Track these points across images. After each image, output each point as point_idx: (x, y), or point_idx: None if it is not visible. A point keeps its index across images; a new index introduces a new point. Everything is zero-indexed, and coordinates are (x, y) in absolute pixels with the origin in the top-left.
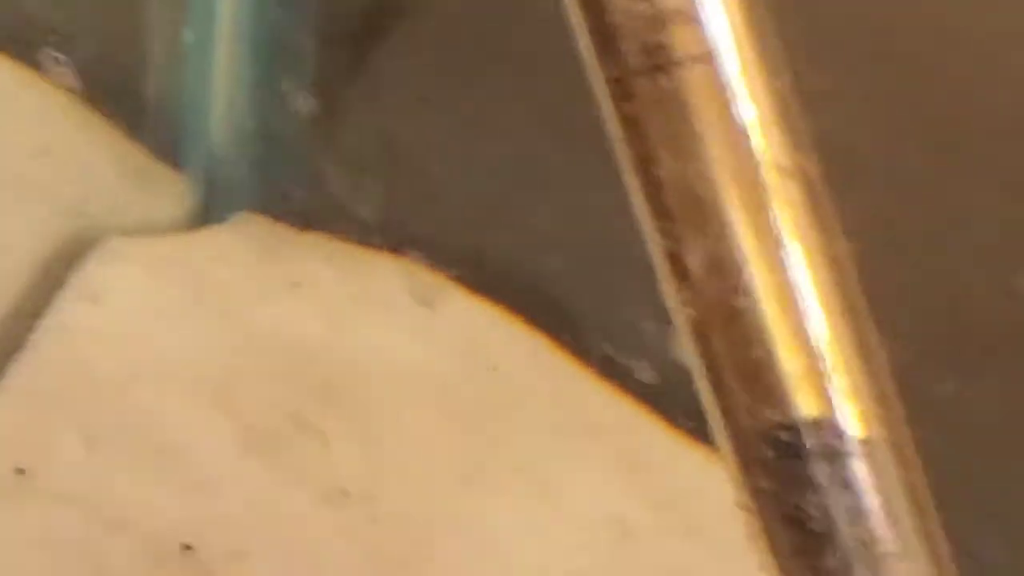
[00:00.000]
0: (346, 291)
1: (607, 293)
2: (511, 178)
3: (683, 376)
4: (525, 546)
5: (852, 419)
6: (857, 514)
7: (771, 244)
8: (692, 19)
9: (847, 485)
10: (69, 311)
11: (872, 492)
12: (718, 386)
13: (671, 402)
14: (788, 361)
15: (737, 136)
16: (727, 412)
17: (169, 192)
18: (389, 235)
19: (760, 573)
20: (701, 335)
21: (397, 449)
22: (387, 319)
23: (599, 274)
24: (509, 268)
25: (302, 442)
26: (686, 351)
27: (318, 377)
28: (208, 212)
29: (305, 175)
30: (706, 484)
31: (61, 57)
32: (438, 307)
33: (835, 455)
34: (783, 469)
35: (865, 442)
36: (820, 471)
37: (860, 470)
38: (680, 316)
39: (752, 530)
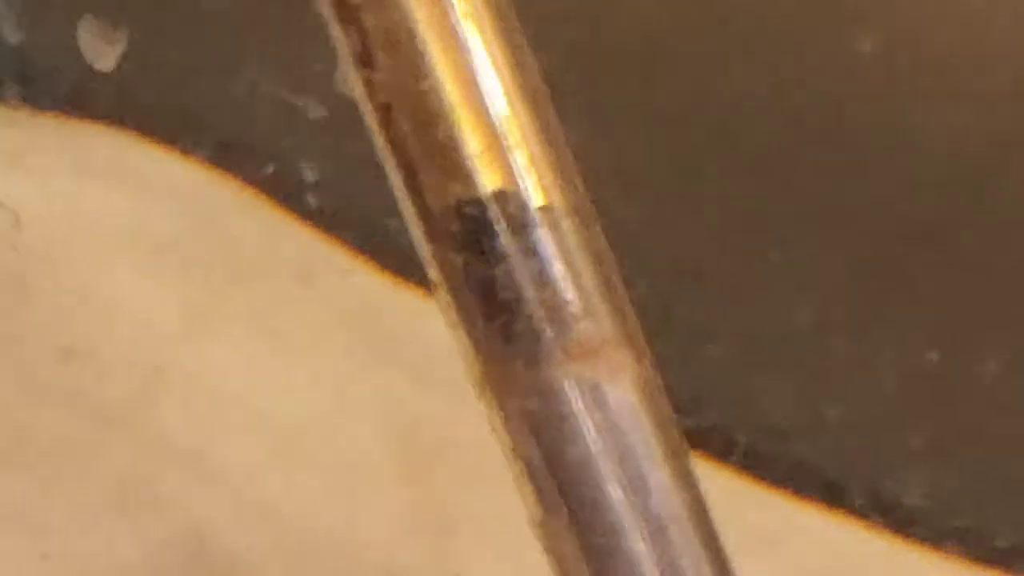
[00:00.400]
0: (64, 160)
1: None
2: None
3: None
4: (250, 392)
5: (534, 190)
6: (543, 280)
7: (450, 27)
8: None
9: (532, 253)
10: None
11: (556, 258)
12: (407, 169)
13: (386, 253)
14: (471, 139)
15: None
16: (415, 193)
17: None
18: (110, 109)
19: (485, 416)
20: (386, 120)
21: (119, 305)
22: (105, 184)
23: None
24: (217, 127)
25: (24, 308)
26: (375, 142)
27: (37, 242)
28: None
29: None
30: (426, 326)
31: None
32: (154, 174)
33: (519, 225)
34: (471, 242)
35: (547, 210)
36: (506, 241)
37: (543, 238)
38: (366, 105)
39: (444, 304)
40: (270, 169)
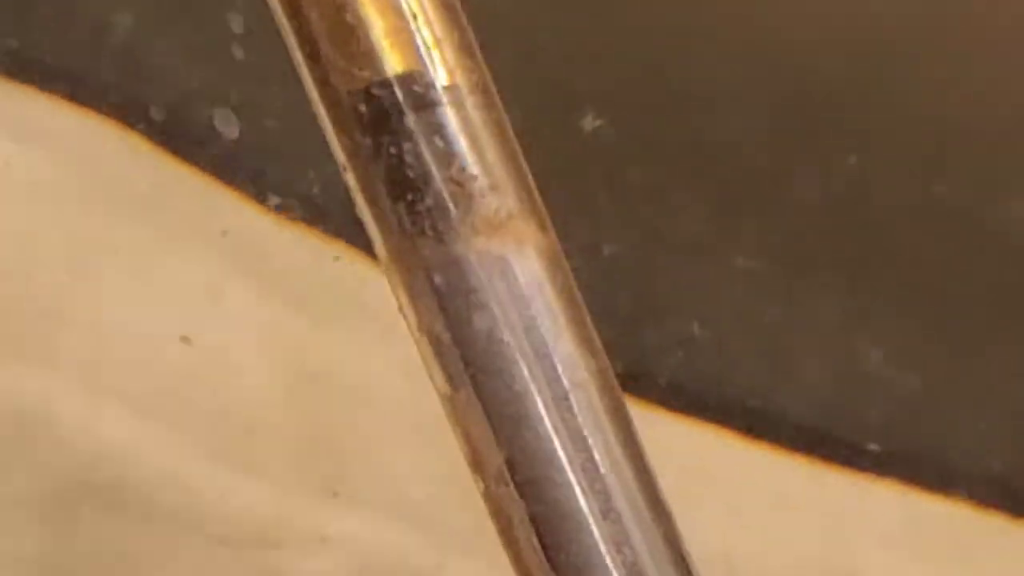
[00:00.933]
0: None
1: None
2: None
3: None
4: (139, 327)
5: (439, 70)
6: (448, 157)
7: None
8: None
9: (437, 131)
10: None
11: (460, 135)
12: (314, 55)
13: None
14: (378, 22)
15: None
16: (323, 78)
17: None
18: None
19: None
20: (294, 7)
21: (6, 245)
22: None
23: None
24: (98, 76)
25: None
26: (282, 31)
27: None
28: None
29: None
30: (310, 261)
31: None
32: (30, 121)
33: (425, 104)
34: (378, 123)
35: (451, 89)
36: (412, 120)
37: (449, 116)
38: None
39: (352, 186)
40: (161, 114)
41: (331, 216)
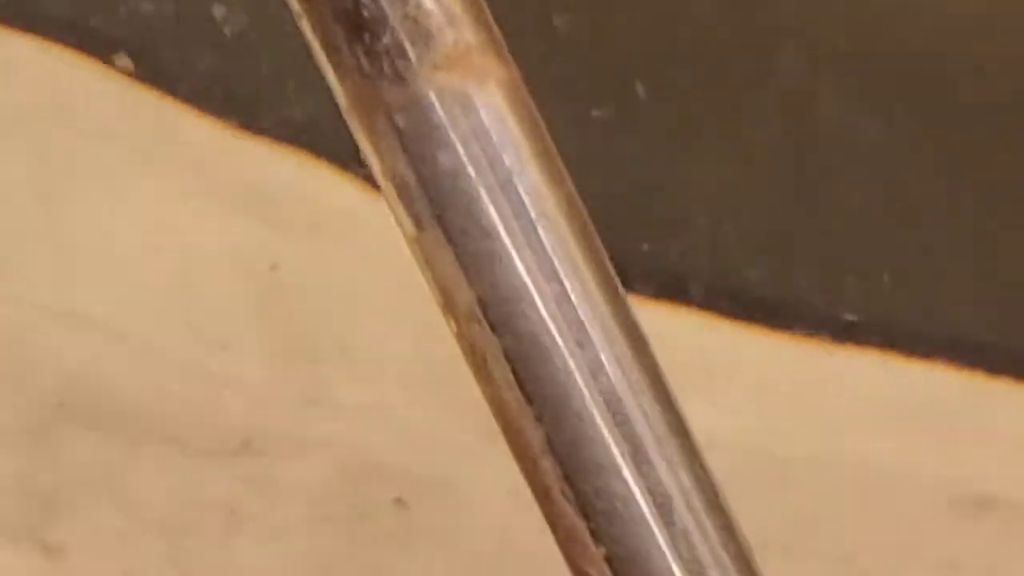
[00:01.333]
0: None
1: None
2: None
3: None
4: (102, 244)
5: None
6: None
7: None
8: None
9: None
10: None
11: None
12: None
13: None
14: None
15: None
16: None
17: None
18: None
19: None
20: None
21: None
22: None
23: None
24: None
25: None
26: None
27: None
28: None
29: None
30: (276, 174)
31: None
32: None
33: None
34: None
35: None
36: None
37: None
38: None
39: (309, 35)
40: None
41: (305, 134)
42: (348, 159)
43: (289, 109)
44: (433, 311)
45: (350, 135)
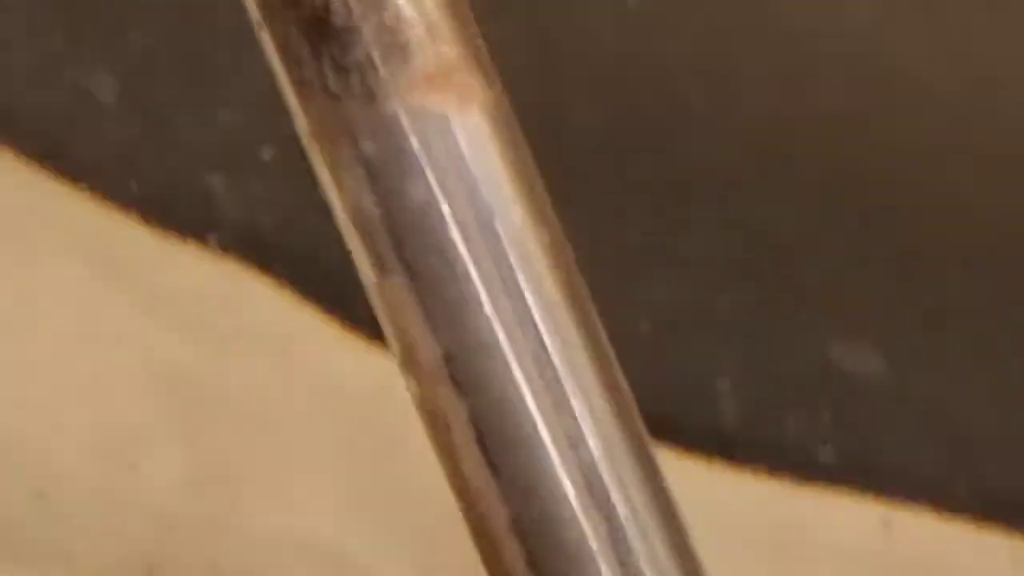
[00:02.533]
0: None
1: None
2: None
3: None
4: (17, 356)
5: None
6: None
7: None
8: None
9: None
10: None
11: None
12: None
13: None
14: None
15: None
16: None
17: None
18: None
19: None
20: None
21: None
22: None
23: None
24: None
25: None
26: None
27: None
28: None
29: None
30: (189, 278)
31: None
32: None
33: None
34: None
35: None
36: None
37: None
38: None
39: (267, 45)
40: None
41: (223, 231)
42: (280, 271)
43: (219, 215)
44: (367, 433)
45: (278, 245)
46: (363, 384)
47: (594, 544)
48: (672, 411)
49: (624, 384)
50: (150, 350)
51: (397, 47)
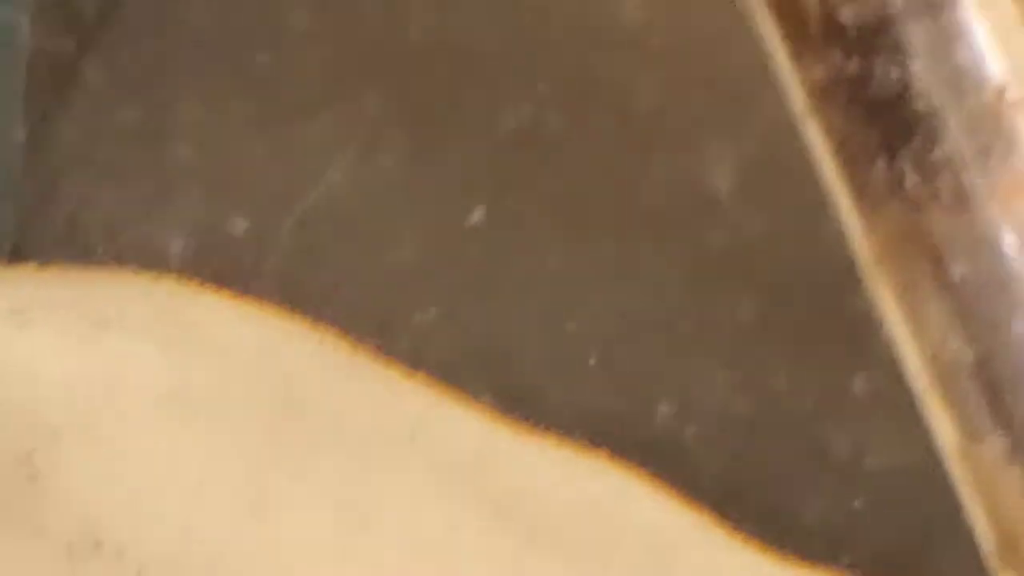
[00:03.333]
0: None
1: None
2: None
3: None
4: None
5: None
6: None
7: None
8: None
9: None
10: None
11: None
12: None
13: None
14: None
15: None
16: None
17: None
18: None
19: None
20: None
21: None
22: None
23: None
24: None
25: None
26: None
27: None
28: None
29: None
30: None
31: None
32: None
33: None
34: (870, 36)
35: None
36: (921, 27)
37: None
38: None
39: (816, 144)
40: None
41: None
42: None
43: None
44: None
45: None
46: None
47: None
48: None
49: None
50: None
51: (1000, 137)
